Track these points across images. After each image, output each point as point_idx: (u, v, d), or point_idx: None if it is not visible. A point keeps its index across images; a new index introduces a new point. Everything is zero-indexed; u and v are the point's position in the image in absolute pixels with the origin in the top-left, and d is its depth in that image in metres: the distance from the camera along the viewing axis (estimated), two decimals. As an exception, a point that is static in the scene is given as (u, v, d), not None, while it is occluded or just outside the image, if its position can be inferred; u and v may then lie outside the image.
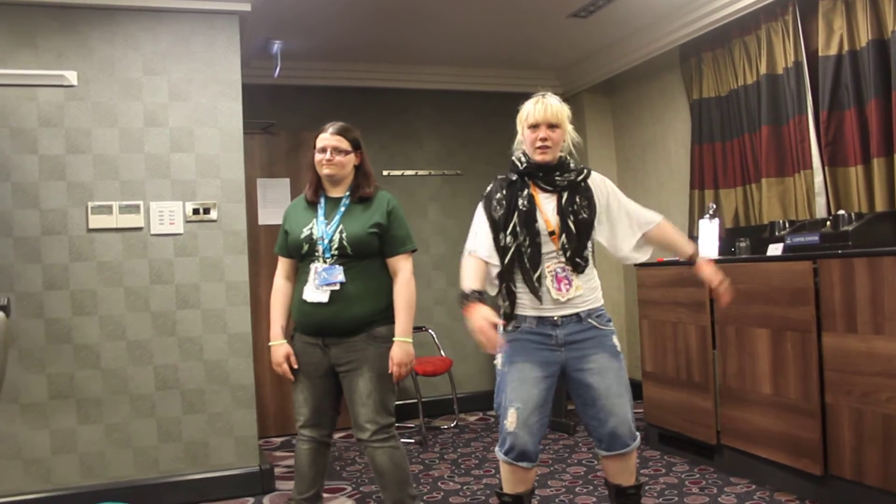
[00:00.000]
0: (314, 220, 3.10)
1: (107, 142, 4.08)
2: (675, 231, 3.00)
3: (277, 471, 4.55)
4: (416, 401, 5.57)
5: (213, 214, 4.21)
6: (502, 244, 2.81)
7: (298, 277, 3.14)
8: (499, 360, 2.88)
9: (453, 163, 6.44)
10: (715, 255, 4.54)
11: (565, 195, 2.83)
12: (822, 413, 3.51)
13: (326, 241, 3.03)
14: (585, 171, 2.91)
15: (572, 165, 2.90)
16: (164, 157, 4.17)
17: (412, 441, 5.32)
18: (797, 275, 3.62)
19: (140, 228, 4.11)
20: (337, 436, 5.58)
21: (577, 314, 2.80)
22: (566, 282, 2.78)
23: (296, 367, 3.13)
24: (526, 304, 2.82)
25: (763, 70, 4.73)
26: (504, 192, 2.88)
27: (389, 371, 3.04)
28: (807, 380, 3.57)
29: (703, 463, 4.35)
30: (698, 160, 5.36)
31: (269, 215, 5.62)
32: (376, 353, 3.04)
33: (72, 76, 4.01)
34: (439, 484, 4.29)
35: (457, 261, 6.66)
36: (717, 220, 4.64)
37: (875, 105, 3.98)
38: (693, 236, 5.16)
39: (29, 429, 3.85)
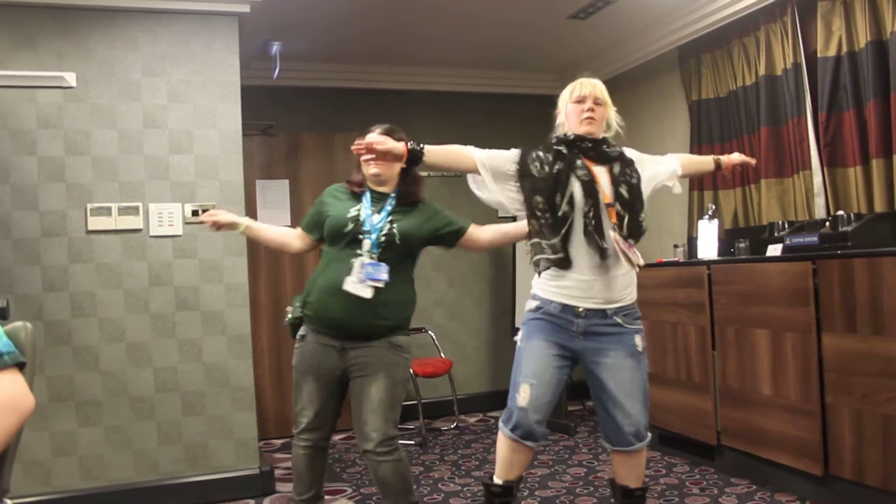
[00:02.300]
0: (361, 206, 3.04)
1: (106, 143, 4.08)
2: (691, 157, 3.23)
3: (277, 473, 4.55)
4: (416, 402, 5.56)
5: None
6: (559, 212, 2.74)
7: (327, 265, 3.05)
8: (519, 337, 2.88)
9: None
10: (714, 255, 4.55)
11: (616, 166, 2.84)
12: (822, 413, 3.51)
13: (374, 236, 2.98)
14: (622, 149, 2.96)
15: (613, 142, 2.93)
16: (163, 158, 4.16)
17: (412, 442, 5.31)
18: (796, 275, 3.62)
19: (139, 230, 4.11)
20: (337, 437, 5.57)
21: (603, 310, 2.78)
22: (633, 249, 2.78)
23: (299, 368, 3.09)
24: (556, 290, 2.79)
25: (762, 71, 4.73)
26: (549, 155, 2.82)
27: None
28: (807, 380, 3.57)
29: (704, 464, 4.35)
30: (697, 161, 5.35)
31: (269, 216, 5.61)
32: (394, 362, 3.02)
33: (71, 78, 4.01)
34: (439, 485, 4.28)
35: (456, 262, 6.66)
36: (716, 221, 4.65)
37: (874, 106, 3.98)
38: (692, 238, 5.17)
39: (28, 431, 3.83)
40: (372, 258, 2.96)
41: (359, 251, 2.97)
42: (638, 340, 2.83)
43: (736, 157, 3.25)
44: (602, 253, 2.73)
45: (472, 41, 5.58)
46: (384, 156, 2.76)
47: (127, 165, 4.11)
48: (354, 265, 2.95)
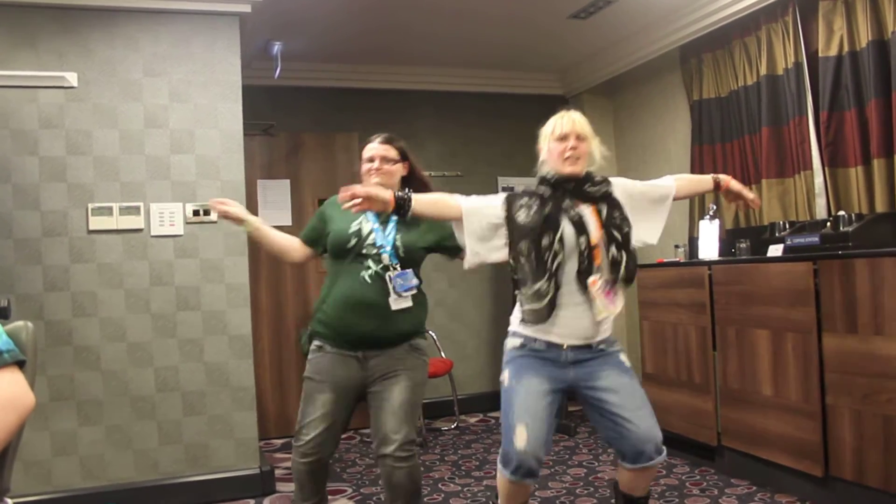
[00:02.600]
0: (362, 219, 3.00)
1: (107, 143, 4.08)
2: (689, 177, 3.14)
3: (278, 472, 4.55)
4: (416, 402, 5.56)
5: (214, 216, 4.20)
6: (545, 255, 2.68)
7: (336, 279, 3.01)
8: (505, 377, 2.80)
9: (454, 164, 6.44)
10: (715, 255, 4.55)
11: (604, 208, 2.77)
12: (822, 414, 3.50)
13: (389, 248, 2.95)
14: (607, 179, 2.87)
15: (597, 178, 2.84)
16: (164, 158, 4.17)
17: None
18: (797, 276, 3.62)
19: (140, 230, 4.11)
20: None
21: (588, 346, 2.76)
22: (612, 295, 2.73)
23: (315, 378, 3.00)
24: (539, 328, 2.75)
25: (763, 71, 4.73)
26: (534, 199, 2.78)
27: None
28: (807, 381, 3.57)
29: (704, 464, 4.35)
30: (698, 161, 5.36)
31: (270, 217, 5.61)
32: (416, 364, 3.00)
33: (72, 77, 4.01)
34: (440, 486, 4.28)
35: (457, 263, 6.68)
36: (717, 221, 4.64)
37: (875, 106, 3.98)
38: (693, 238, 5.17)
39: (29, 430, 3.83)
40: (394, 269, 2.94)
41: (367, 264, 2.94)
42: (623, 358, 2.81)
43: (739, 187, 3.09)
44: (581, 296, 2.70)
45: (473, 41, 5.58)
46: (370, 203, 2.66)
47: (128, 165, 4.11)
48: (387, 283, 2.92)
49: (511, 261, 2.76)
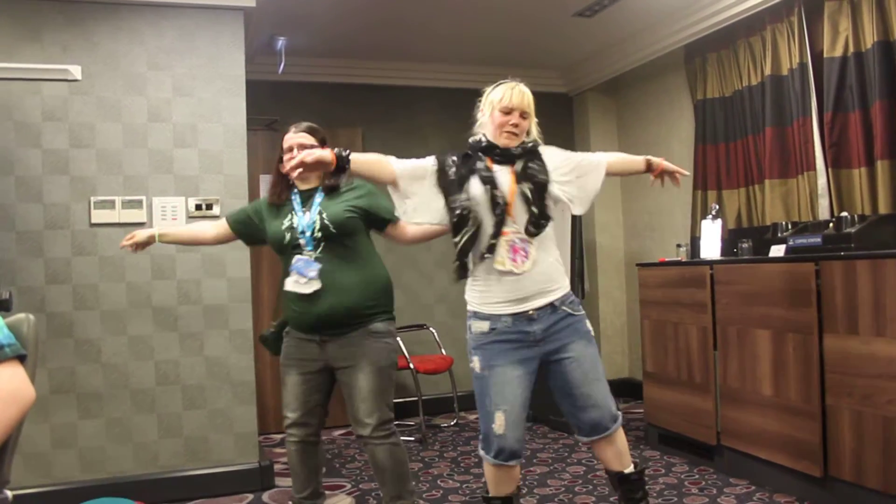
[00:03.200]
0: (290, 214, 3.08)
1: (110, 137, 4.08)
2: (622, 156, 3.06)
3: (277, 467, 4.56)
4: (416, 399, 5.57)
5: (216, 210, 4.21)
6: (457, 210, 2.72)
7: (283, 276, 3.14)
8: (476, 364, 2.81)
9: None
10: (717, 255, 4.55)
11: (520, 164, 2.79)
12: (822, 415, 3.50)
13: (308, 234, 3.01)
14: (539, 143, 2.89)
15: (526, 142, 2.86)
16: (167, 152, 4.17)
17: (412, 439, 5.32)
18: (799, 276, 3.61)
19: (143, 223, 4.11)
20: (336, 433, 5.59)
21: (551, 304, 2.77)
22: (522, 253, 2.73)
23: (284, 362, 3.14)
24: (497, 298, 2.76)
25: (768, 71, 4.72)
26: (458, 158, 2.82)
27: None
28: (808, 381, 3.57)
29: (703, 464, 4.35)
30: (701, 160, 5.35)
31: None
32: (375, 348, 3.04)
33: (76, 70, 4.02)
34: (439, 482, 4.29)
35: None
36: (719, 221, 4.64)
37: (880, 107, 3.98)
38: (695, 237, 5.17)
39: (29, 423, 3.84)
40: (309, 256, 3.01)
41: (299, 250, 3.04)
42: (588, 325, 2.85)
43: (668, 165, 3.06)
44: (487, 254, 2.73)
45: (478, 37, 5.58)
46: (315, 166, 2.68)
47: (131, 159, 4.11)
48: (292, 264, 3.03)
49: (449, 218, 2.79)
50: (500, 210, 2.72)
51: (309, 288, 2.99)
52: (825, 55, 4.28)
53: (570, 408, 2.84)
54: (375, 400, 3.02)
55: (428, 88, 6.36)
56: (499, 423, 2.73)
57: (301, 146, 3.07)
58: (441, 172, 2.81)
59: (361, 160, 2.74)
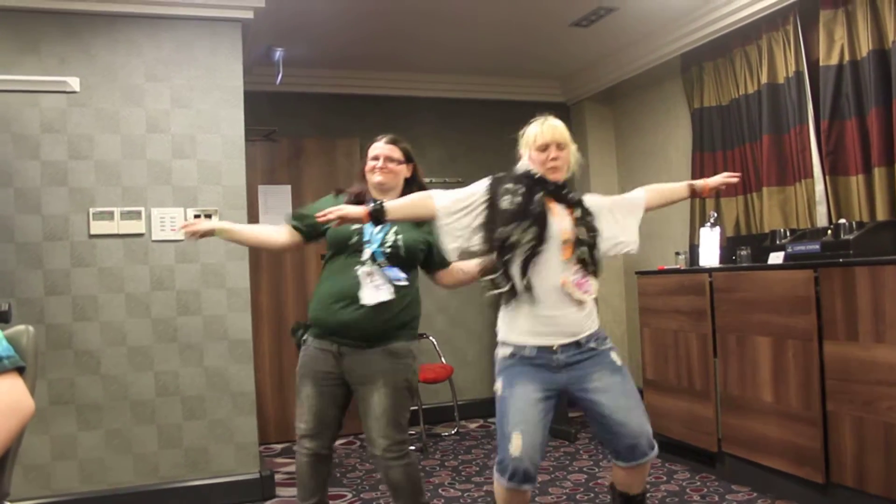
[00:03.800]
0: None
1: (109, 148, 4.09)
2: (660, 187, 3.08)
3: (278, 477, 4.54)
4: (416, 408, 5.56)
5: (215, 221, 4.21)
6: (512, 239, 2.72)
7: (329, 275, 3.05)
8: (498, 386, 2.82)
9: (455, 170, 6.44)
10: (716, 263, 4.55)
11: (578, 211, 2.82)
12: (823, 421, 3.50)
13: (376, 245, 2.98)
14: (581, 194, 2.92)
15: (572, 187, 2.89)
16: (165, 163, 4.17)
17: (413, 448, 5.30)
18: (798, 283, 3.62)
19: (141, 234, 4.11)
20: (337, 442, 5.57)
21: (576, 342, 2.77)
22: (587, 283, 2.76)
23: (300, 372, 3.08)
24: (525, 329, 2.77)
25: (764, 79, 4.74)
26: (519, 187, 2.80)
27: (405, 386, 3.03)
28: (808, 388, 3.57)
29: (705, 471, 4.34)
30: (699, 169, 5.37)
31: (271, 222, 5.56)
32: (392, 368, 3.00)
33: (74, 82, 4.02)
34: (440, 491, 4.28)
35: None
36: (717, 229, 4.65)
37: (876, 114, 3.99)
38: (694, 245, 5.17)
39: (29, 434, 3.82)
40: (381, 264, 2.97)
41: (359, 258, 2.98)
42: (615, 356, 2.83)
43: (714, 180, 3.13)
44: (553, 288, 2.74)
45: (475, 48, 5.59)
46: (344, 219, 2.72)
47: (129, 170, 4.12)
48: (361, 277, 2.95)
49: (486, 245, 2.78)
50: (559, 249, 2.75)
51: (389, 294, 2.95)
52: (821, 63, 4.30)
53: (605, 435, 2.82)
54: (389, 421, 2.98)
55: (426, 99, 6.37)
56: (515, 445, 2.69)
57: (388, 157, 3.08)
58: (492, 199, 2.80)
59: (398, 207, 2.76)
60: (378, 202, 2.72)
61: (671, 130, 5.88)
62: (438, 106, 6.44)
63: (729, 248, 4.67)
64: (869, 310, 3.26)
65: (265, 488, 4.23)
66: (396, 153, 3.11)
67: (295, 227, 3.17)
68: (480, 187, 2.84)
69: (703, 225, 4.84)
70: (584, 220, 2.82)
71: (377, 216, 2.70)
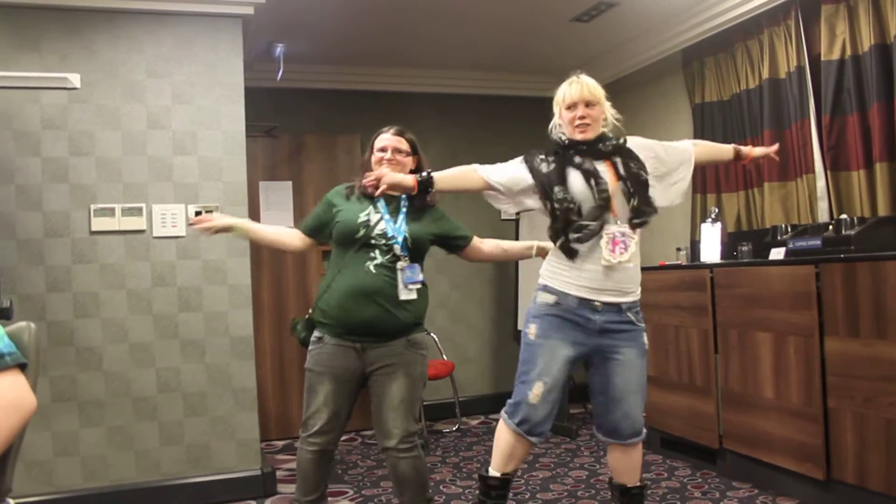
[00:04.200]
0: (371, 209, 3.03)
1: (110, 144, 4.08)
2: (708, 144, 3.12)
3: (279, 474, 4.55)
4: (417, 404, 5.56)
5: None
6: (557, 198, 2.76)
7: (342, 269, 3.02)
8: (532, 330, 2.85)
9: (457, 166, 6.43)
10: (717, 258, 4.55)
11: (619, 160, 2.83)
12: (824, 417, 3.50)
13: (401, 238, 3.00)
14: (623, 137, 2.93)
15: (611, 137, 2.90)
16: (166, 159, 4.17)
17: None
18: (799, 279, 3.62)
19: (142, 231, 4.11)
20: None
21: (618, 304, 2.79)
22: (622, 246, 2.76)
23: (315, 369, 3.05)
24: (571, 281, 2.80)
25: (765, 74, 4.73)
26: (551, 157, 2.86)
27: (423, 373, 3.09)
28: (809, 384, 3.57)
29: (706, 467, 4.35)
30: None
31: (272, 218, 5.62)
32: (412, 359, 3.04)
33: (75, 79, 4.01)
34: (441, 487, 4.28)
35: (459, 264, 6.65)
36: (718, 225, 4.64)
37: (877, 109, 3.98)
38: (695, 241, 5.17)
39: (31, 431, 3.83)
40: (405, 261, 2.99)
41: (372, 255, 2.98)
42: (646, 339, 2.88)
43: (758, 150, 3.18)
44: (588, 243, 2.76)
45: (475, 43, 5.59)
46: (394, 188, 2.80)
47: (130, 166, 4.11)
48: (399, 272, 2.98)
49: (547, 207, 2.83)
50: (603, 202, 2.75)
51: (410, 295, 2.98)
52: (822, 58, 4.28)
53: (600, 405, 2.87)
54: (405, 411, 3.00)
55: (426, 94, 6.37)
56: (535, 393, 2.77)
57: (395, 149, 3.09)
58: (533, 170, 2.85)
59: (446, 176, 2.84)
60: (427, 172, 2.77)
61: (672, 125, 5.87)
62: (439, 101, 6.43)
63: (730, 243, 4.67)
64: (870, 305, 3.25)
65: (266, 485, 4.23)
66: (403, 144, 3.13)
67: (304, 232, 3.22)
68: (516, 161, 2.93)
69: (703, 220, 4.84)
70: (628, 168, 2.81)
71: (425, 186, 2.77)
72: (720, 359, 4.16)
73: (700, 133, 5.36)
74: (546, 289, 2.87)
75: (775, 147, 3.26)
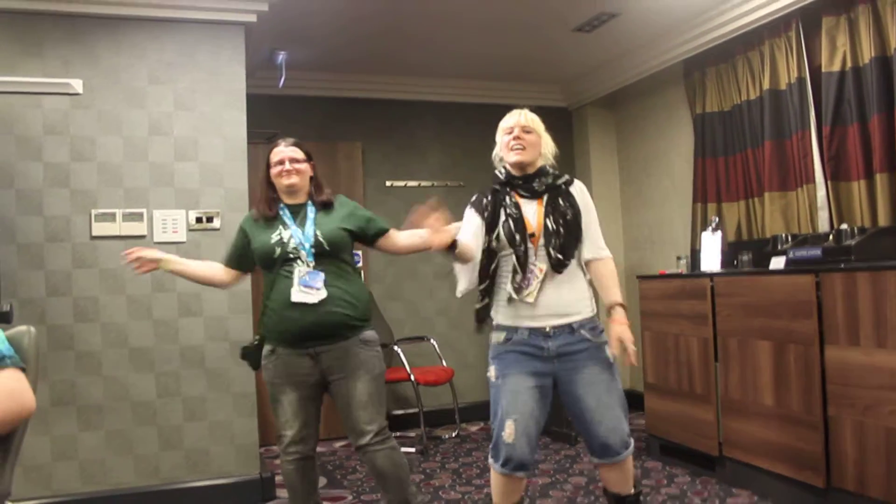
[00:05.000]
0: (280, 228, 3.09)
1: (111, 150, 4.09)
2: (613, 274, 2.98)
3: (278, 479, 4.52)
4: (417, 410, 5.56)
5: (216, 223, 4.22)
6: (491, 247, 2.84)
7: (272, 288, 3.08)
8: (492, 373, 2.88)
9: (456, 174, 6.45)
10: (717, 268, 4.55)
11: (546, 198, 2.87)
12: (824, 425, 3.50)
13: (308, 245, 3.04)
14: (566, 176, 2.96)
15: (551, 171, 2.94)
16: (168, 165, 4.18)
17: (413, 450, 5.30)
18: (800, 288, 3.62)
19: (143, 236, 4.12)
20: (337, 444, 5.57)
21: (569, 325, 2.81)
22: (526, 283, 2.79)
23: (274, 381, 3.10)
24: (516, 313, 2.83)
25: (766, 85, 4.75)
26: (489, 198, 2.93)
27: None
28: (809, 392, 3.57)
29: (705, 474, 4.34)
30: (701, 174, 5.37)
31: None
32: (369, 357, 3.08)
33: (77, 84, 4.03)
34: (440, 493, 4.28)
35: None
36: (719, 234, 4.65)
37: (878, 120, 4.00)
38: (695, 250, 5.17)
39: (30, 435, 3.82)
40: (309, 266, 3.02)
41: (296, 266, 3.03)
42: (608, 351, 2.85)
43: (616, 330, 2.88)
44: (517, 287, 2.80)
45: (477, 52, 5.60)
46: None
47: (132, 172, 4.12)
48: (294, 276, 3.02)
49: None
50: (524, 245, 2.80)
51: (316, 297, 2.99)
52: (823, 70, 4.30)
53: (582, 429, 2.87)
54: (374, 407, 3.06)
55: (427, 103, 6.38)
56: (508, 432, 2.76)
57: (292, 159, 3.13)
58: (481, 214, 2.91)
59: (463, 246, 2.81)
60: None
61: (673, 136, 5.88)
62: (440, 110, 6.45)
63: (730, 252, 4.68)
64: (870, 315, 3.26)
65: (265, 490, 4.23)
66: (299, 153, 3.17)
67: (226, 265, 3.27)
68: (475, 217, 2.93)
69: (704, 229, 4.85)
70: (556, 207, 2.86)
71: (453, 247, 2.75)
72: (720, 367, 4.16)
73: (701, 143, 5.38)
74: (498, 328, 2.90)
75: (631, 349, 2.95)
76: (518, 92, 6.45)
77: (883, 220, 3.99)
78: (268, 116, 5.72)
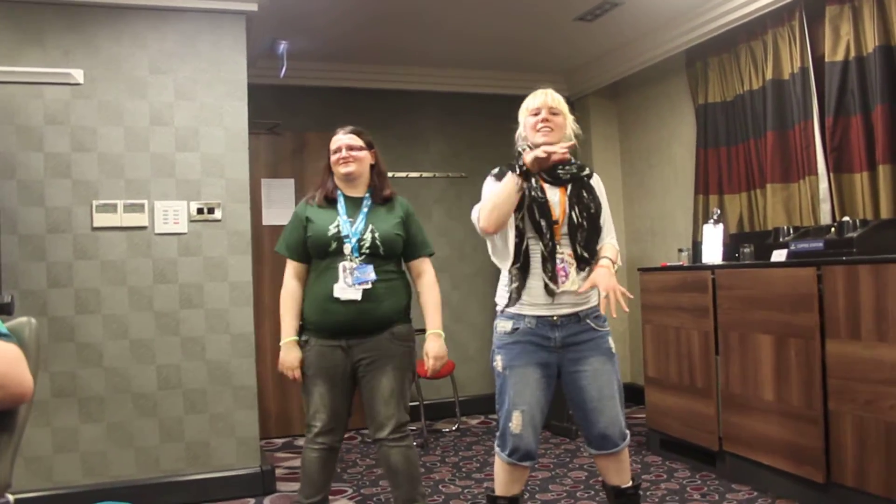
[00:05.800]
0: (337, 218, 3.10)
1: (112, 140, 4.08)
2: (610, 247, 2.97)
3: (279, 472, 4.55)
4: (417, 403, 5.56)
5: (218, 214, 4.22)
6: (517, 225, 2.81)
7: (318, 277, 3.11)
8: (498, 363, 2.90)
9: (458, 165, 6.44)
10: (719, 260, 4.54)
11: (570, 188, 2.87)
12: (824, 420, 3.50)
13: (355, 240, 3.04)
14: (588, 168, 2.97)
15: (573, 160, 2.93)
16: (169, 156, 4.17)
17: (413, 444, 5.30)
18: (801, 281, 3.61)
19: (144, 227, 4.11)
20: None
21: (576, 314, 2.83)
22: (563, 273, 2.80)
23: (307, 372, 3.13)
24: (525, 302, 2.84)
25: (769, 75, 4.72)
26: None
27: (418, 366, 3.21)
28: (810, 387, 3.56)
29: (705, 469, 4.34)
30: (703, 165, 5.35)
31: (273, 215, 5.63)
32: (399, 352, 3.10)
33: (78, 74, 4.01)
34: (440, 487, 4.28)
35: (461, 263, 6.65)
36: (721, 226, 4.63)
37: (881, 111, 3.97)
38: (697, 242, 5.16)
39: (31, 427, 3.85)
40: (356, 261, 3.03)
41: (343, 256, 3.05)
42: (611, 342, 2.90)
43: (598, 275, 2.85)
44: (548, 273, 2.80)
45: (479, 41, 5.58)
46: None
47: (133, 163, 4.11)
48: (339, 272, 3.02)
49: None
50: (549, 232, 2.79)
51: (360, 294, 3.00)
52: (826, 59, 4.28)
53: (581, 420, 2.90)
54: (396, 402, 3.07)
55: (429, 92, 6.36)
56: (516, 423, 2.80)
57: (349, 146, 3.14)
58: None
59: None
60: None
61: (675, 126, 5.86)
62: (442, 100, 6.43)
63: (732, 245, 4.66)
64: (872, 308, 3.25)
65: (266, 483, 4.23)
66: (357, 141, 3.18)
67: (298, 261, 3.24)
68: (489, 181, 2.93)
69: (706, 222, 4.83)
70: (580, 198, 2.86)
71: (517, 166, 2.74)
72: (721, 360, 4.15)
73: (703, 133, 5.36)
74: (503, 315, 2.93)
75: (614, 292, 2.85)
76: (520, 81, 6.41)
77: (885, 213, 3.97)
78: (269, 106, 5.71)
